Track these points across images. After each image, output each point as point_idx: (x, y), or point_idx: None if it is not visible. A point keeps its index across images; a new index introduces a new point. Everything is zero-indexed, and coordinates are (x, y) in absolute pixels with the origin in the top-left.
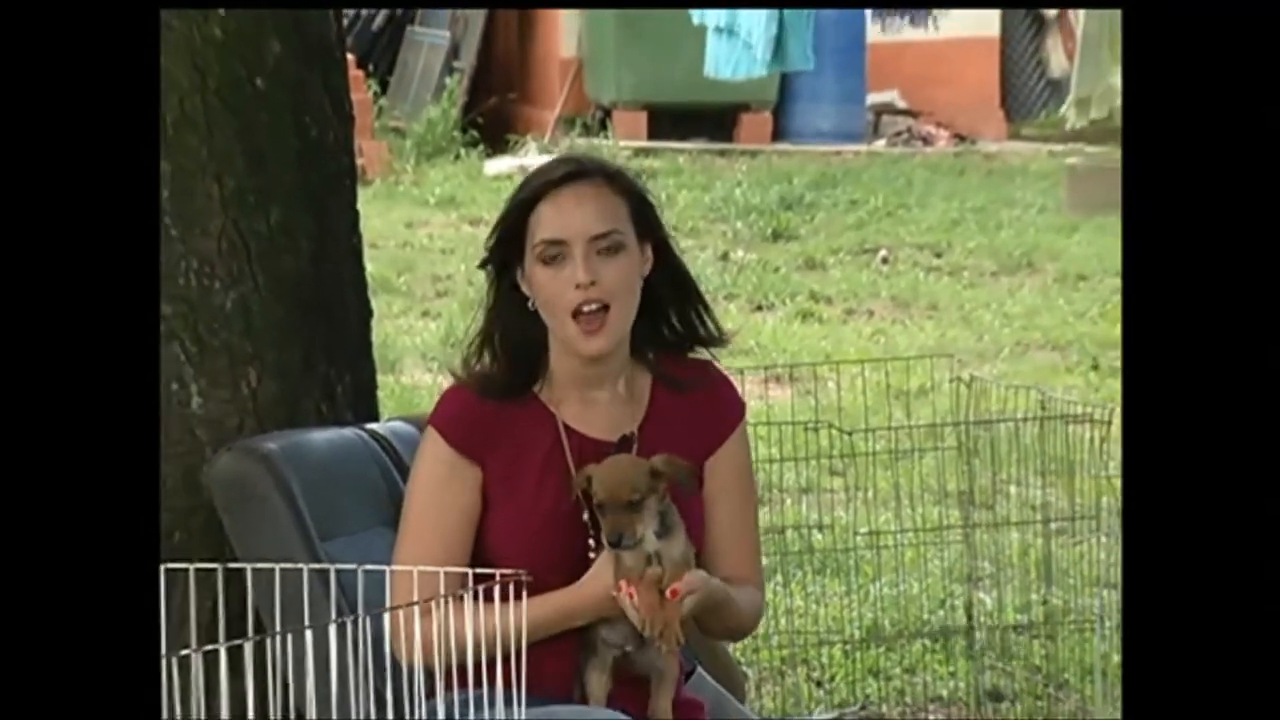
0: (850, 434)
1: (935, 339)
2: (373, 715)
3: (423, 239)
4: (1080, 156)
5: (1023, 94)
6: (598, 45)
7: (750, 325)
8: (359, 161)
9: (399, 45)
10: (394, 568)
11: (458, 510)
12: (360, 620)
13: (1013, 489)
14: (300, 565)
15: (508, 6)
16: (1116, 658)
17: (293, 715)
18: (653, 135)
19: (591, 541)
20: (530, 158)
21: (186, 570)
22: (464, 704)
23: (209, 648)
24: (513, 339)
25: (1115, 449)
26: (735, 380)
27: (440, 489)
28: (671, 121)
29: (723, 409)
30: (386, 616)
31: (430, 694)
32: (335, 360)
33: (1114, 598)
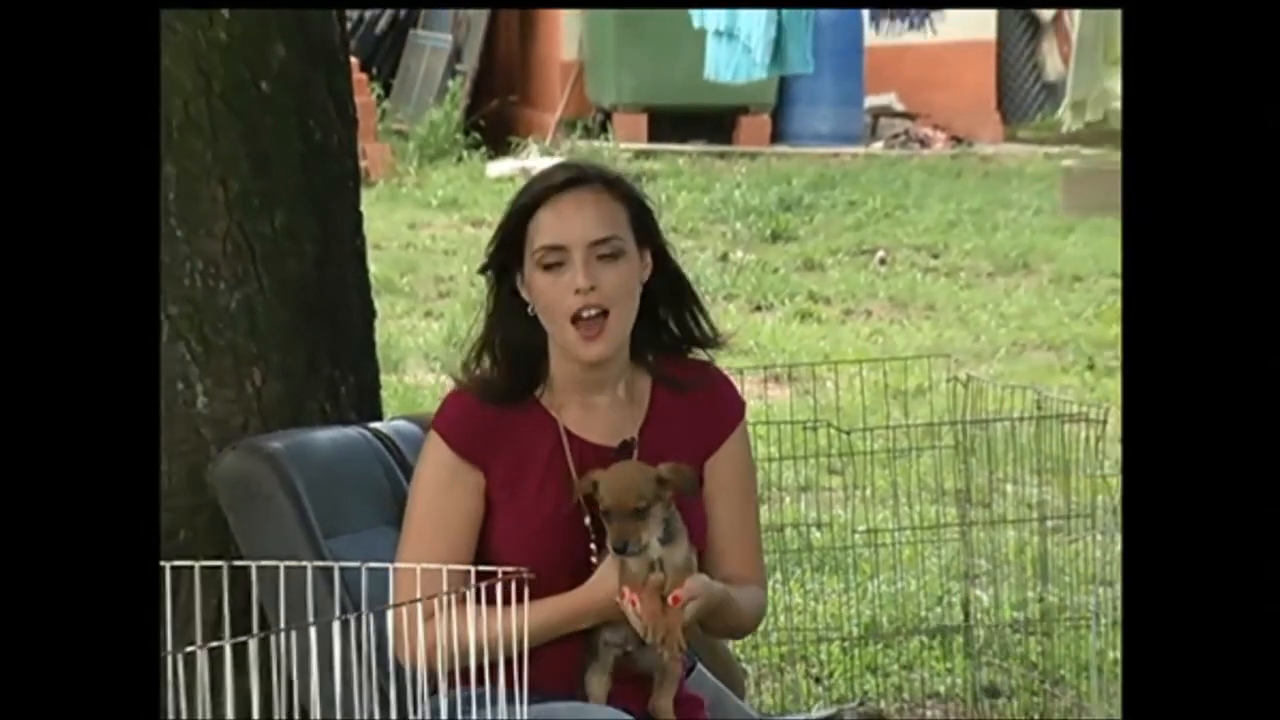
0: (848, 433)
1: (932, 339)
2: (376, 712)
3: (425, 240)
4: (1076, 159)
5: (1019, 97)
6: (598, 48)
7: (749, 325)
8: (362, 164)
9: (402, 49)
10: (398, 565)
11: (460, 514)
12: (364, 618)
13: (1009, 487)
14: (304, 563)
15: (509, 6)
16: (1112, 654)
17: (297, 712)
18: (653, 137)
19: (593, 545)
20: (532, 160)
21: (192, 568)
22: (466, 701)
23: (214, 645)
24: (513, 344)
25: (1110, 448)
26: (734, 380)
27: (443, 493)
28: (671, 124)
29: (723, 409)
30: (390, 620)
31: (433, 691)
32: (339, 360)
33: (1109, 595)
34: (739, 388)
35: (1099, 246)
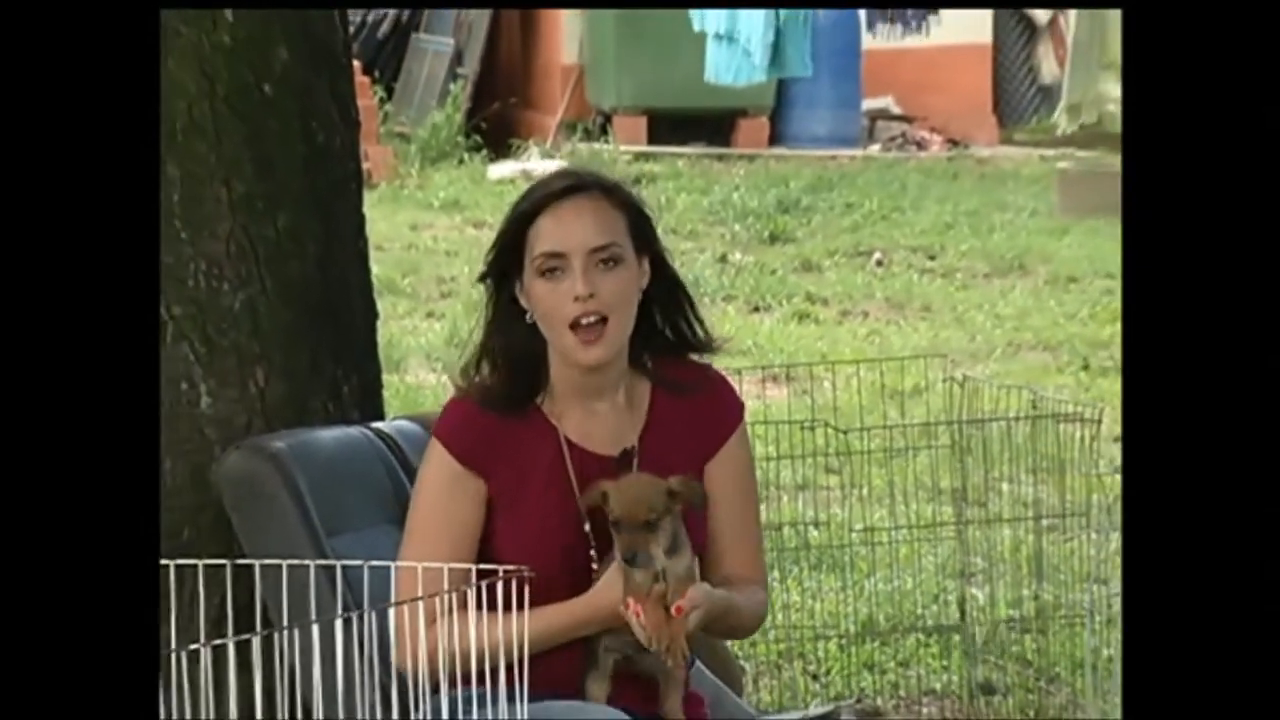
0: (846, 433)
1: (929, 340)
2: (378, 710)
3: (427, 241)
4: (1071, 161)
5: (1014, 100)
6: (598, 52)
7: (748, 326)
8: (365, 166)
9: (404, 52)
10: (400, 564)
11: (461, 521)
12: (366, 615)
13: (1005, 486)
14: (307, 562)
15: (510, 6)
16: (1107, 652)
17: (299, 710)
18: (652, 140)
19: (593, 553)
20: (532, 162)
21: (195, 566)
22: (467, 701)
23: (217, 642)
24: (512, 352)
25: (1105, 447)
26: (733, 380)
27: (444, 500)
28: (671, 126)
29: (722, 411)
30: (392, 626)
31: (434, 690)
32: (341, 360)
33: (1104, 593)
34: (737, 388)
35: (1094, 248)
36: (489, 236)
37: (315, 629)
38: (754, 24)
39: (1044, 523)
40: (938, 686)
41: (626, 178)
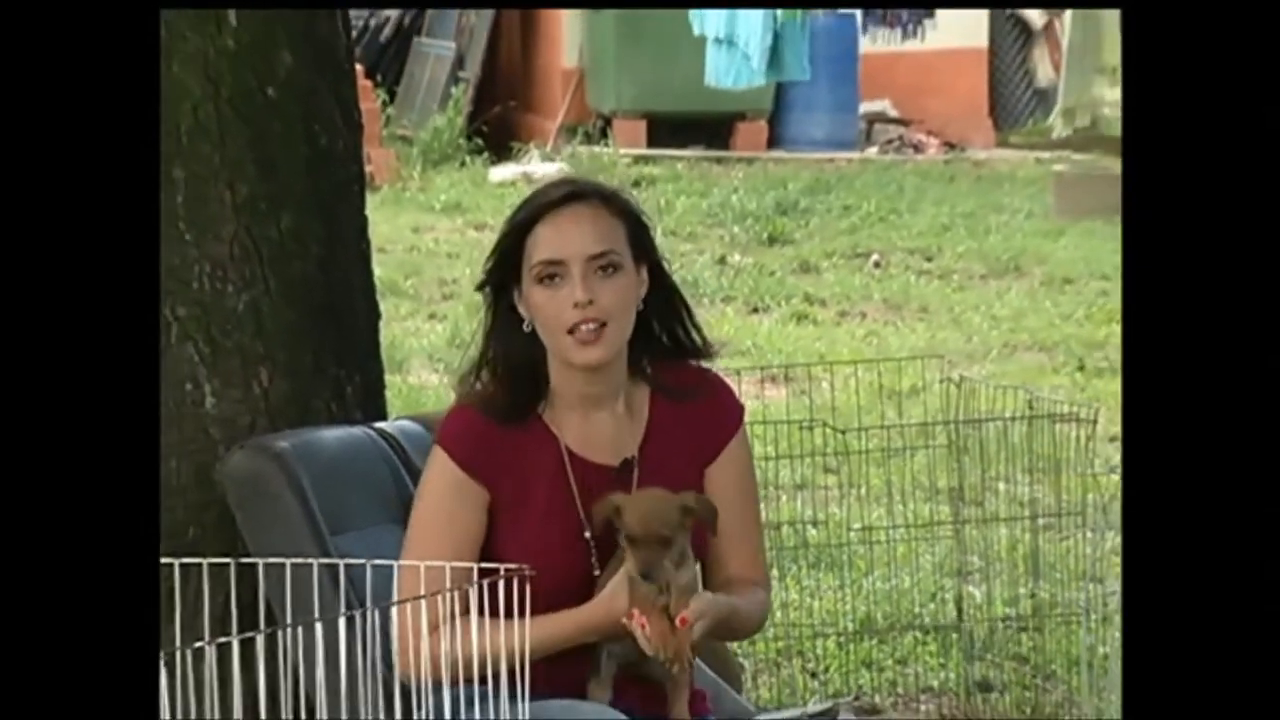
0: (844, 432)
1: (926, 340)
2: (380, 706)
3: (429, 244)
4: (1066, 163)
5: (1010, 103)
6: (598, 56)
7: (746, 327)
8: (367, 169)
9: (406, 56)
10: (402, 562)
11: (463, 528)
12: (368, 613)
13: (1001, 486)
14: (311, 560)
15: (512, 6)
16: (1102, 650)
17: (302, 707)
18: (652, 143)
19: (594, 562)
20: (533, 165)
21: (200, 565)
22: (469, 699)
23: (221, 640)
24: (512, 360)
25: (1101, 447)
26: (732, 380)
27: (447, 507)
28: (670, 130)
29: (722, 415)
30: (395, 635)
31: (436, 687)
32: (344, 361)
33: (1100, 591)
34: (736, 388)
35: (1089, 249)
36: (490, 239)
37: (318, 627)
38: (752, 28)
39: (1040, 522)
40: (935, 684)
41: (626, 180)
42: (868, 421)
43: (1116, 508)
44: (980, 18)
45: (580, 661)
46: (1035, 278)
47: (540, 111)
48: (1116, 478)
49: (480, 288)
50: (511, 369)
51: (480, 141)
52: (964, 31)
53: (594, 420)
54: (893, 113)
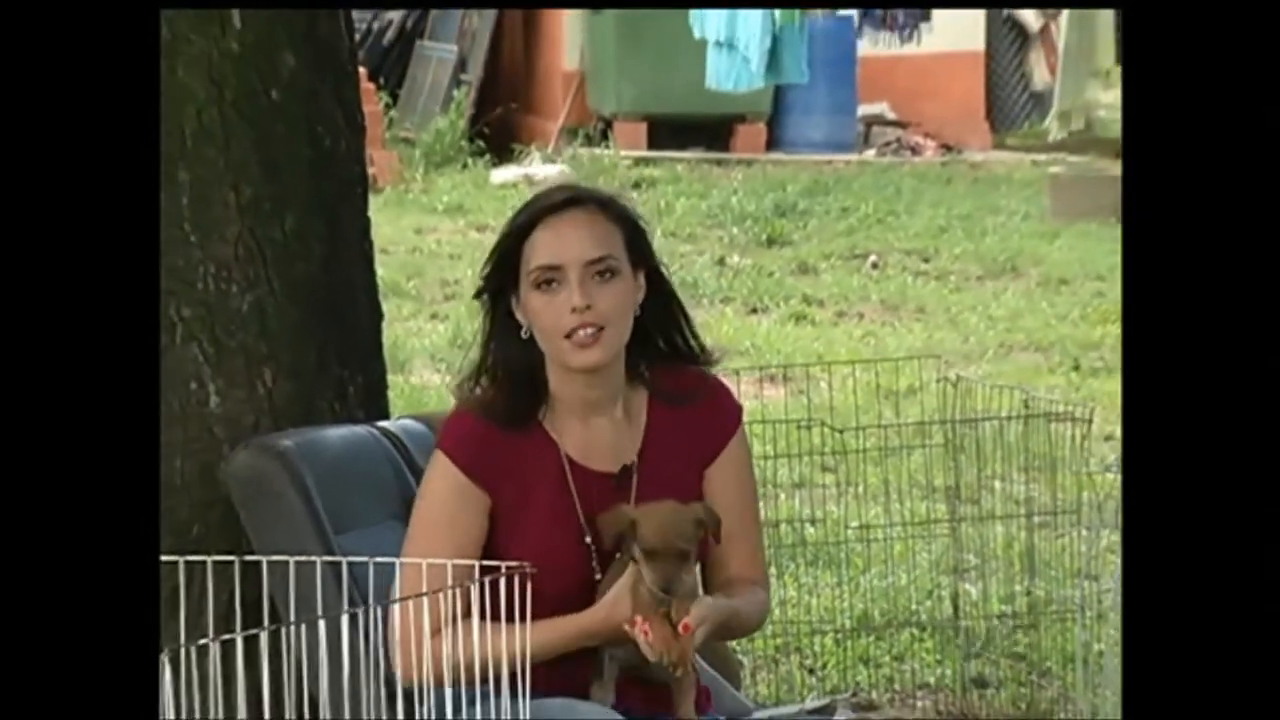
0: (841, 432)
1: (923, 341)
2: (383, 702)
3: (431, 245)
4: (1062, 165)
5: (1007, 106)
6: (599, 58)
7: (745, 327)
8: (370, 170)
9: (409, 59)
10: (405, 559)
11: (464, 533)
12: (371, 611)
13: (997, 484)
14: (314, 558)
15: (515, 6)
16: (1097, 646)
17: (305, 703)
18: (652, 145)
19: (595, 568)
20: (534, 167)
21: (204, 563)
22: (470, 697)
23: (225, 637)
24: (512, 367)
25: (1096, 446)
26: (731, 381)
27: (449, 512)
28: (670, 132)
29: (720, 418)
30: (396, 638)
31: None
32: (347, 361)
33: (1095, 589)
34: (736, 389)
35: (1085, 250)
36: (492, 240)
37: (321, 624)
38: (752, 31)
39: (1035, 520)
40: (931, 680)
41: (626, 182)
42: (865, 421)
43: (1111, 506)
44: (977, 21)
45: (580, 664)
46: (1031, 279)
47: (541, 114)
48: (1111, 476)
49: (478, 295)
50: (511, 375)
51: (482, 143)
52: (961, 35)
53: (593, 426)
54: (890, 115)
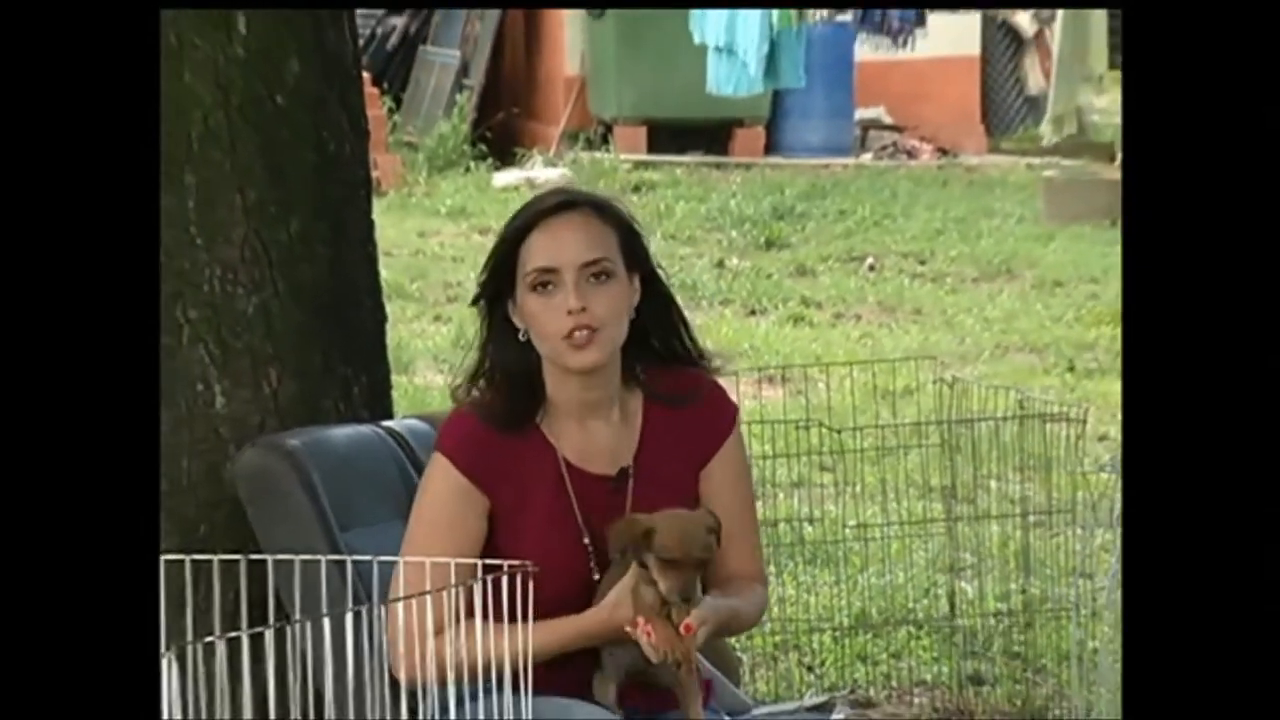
0: (839, 432)
1: (919, 342)
2: (387, 699)
3: (434, 247)
4: (1056, 169)
5: (1002, 110)
6: (600, 63)
7: (744, 329)
8: (374, 174)
9: (412, 64)
10: (409, 559)
11: (464, 535)
12: (375, 608)
13: (993, 484)
14: (319, 557)
15: (518, 6)
16: (1092, 644)
17: (311, 699)
18: (652, 149)
19: (594, 570)
20: (536, 170)
21: (211, 561)
22: (473, 693)
23: (232, 635)
24: (509, 371)
25: (1090, 446)
26: (730, 382)
27: (449, 513)
28: (670, 136)
29: (716, 418)
30: (399, 637)
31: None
32: (352, 362)
33: (1089, 587)
34: (735, 390)
35: (1079, 253)
36: (494, 242)
37: (327, 622)
38: (750, 36)
39: (1031, 519)
40: (928, 678)
41: (627, 186)
42: (863, 421)
43: (1106, 505)
44: (973, 27)
45: (581, 663)
46: (1026, 281)
47: (543, 118)
48: (1105, 476)
49: (475, 302)
50: (509, 378)
51: (484, 148)
52: (957, 40)
53: (590, 429)
54: (887, 119)
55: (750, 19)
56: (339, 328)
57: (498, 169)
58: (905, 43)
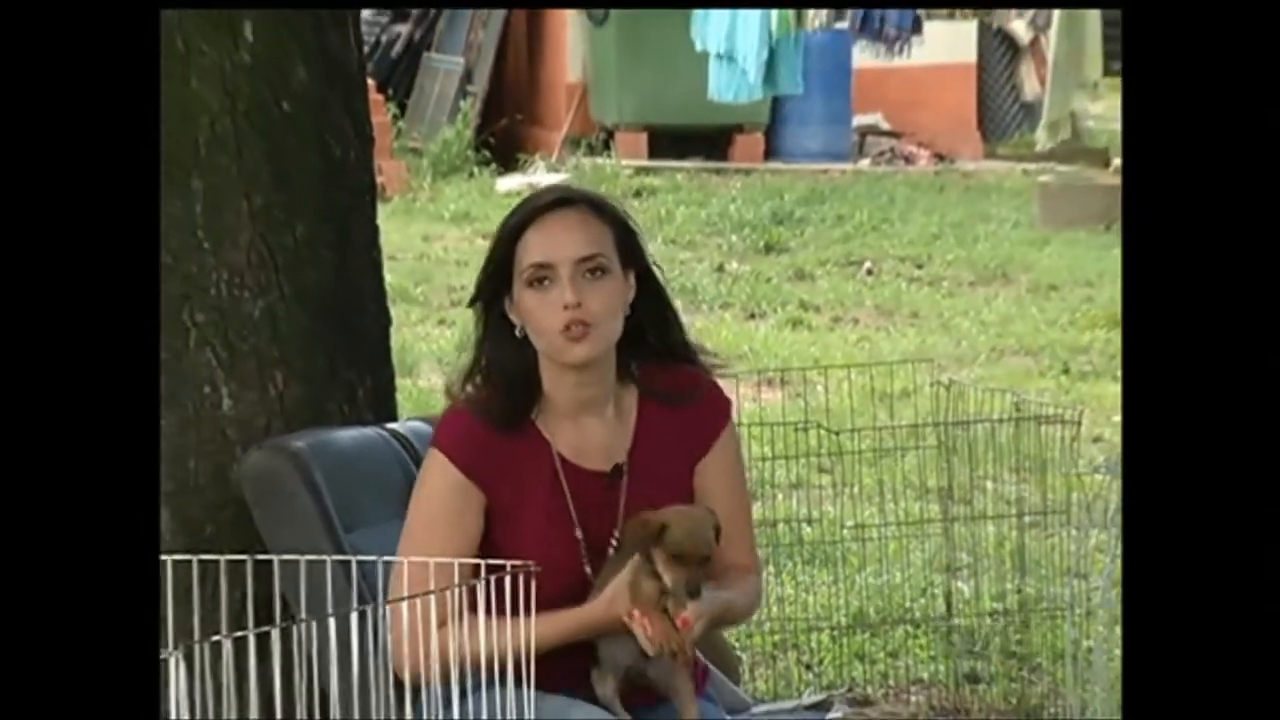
0: (837, 434)
1: (916, 345)
2: (392, 697)
3: (438, 252)
4: (1051, 175)
5: (998, 116)
6: (601, 70)
7: (744, 332)
8: (379, 179)
9: (416, 71)
10: (414, 559)
11: (462, 531)
12: (380, 608)
13: (989, 485)
14: (324, 557)
15: (521, 6)
16: (1086, 643)
17: (316, 697)
18: (653, 154)
19: (588, 570)
20: (539, 176)
21: (218, 562)
22: (476, 685)
23: (239, 634)
24: (506, 368)
25: (1084, 448)
26: (730, 384)
27: (446, 510)
28: (670, 142)
29: (710, 415)
30: (404, 632)
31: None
32: (357, 364)
33: (1084, 587)
34: (734, 392)
35: (1073, 257)
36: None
37: (332, 621)
38: (749, 43)
39: (1026, 520)
40: (925, 676)
41: (628, 191)
42: (860, 423)
43: (1100, 506)
44: (969, 35)
45: (580, 657)
46: (1021, 285)
47: (545, 124)
48: (1100, 477)
49: (473, 302)
50: (505, 376)
51: (487, 153)
52: (953, 47)
53: (585, 426)
54: (884, 126)
55: (750, 27)
56: (344, 331)
57: (501, 174)
58: (902, 50)
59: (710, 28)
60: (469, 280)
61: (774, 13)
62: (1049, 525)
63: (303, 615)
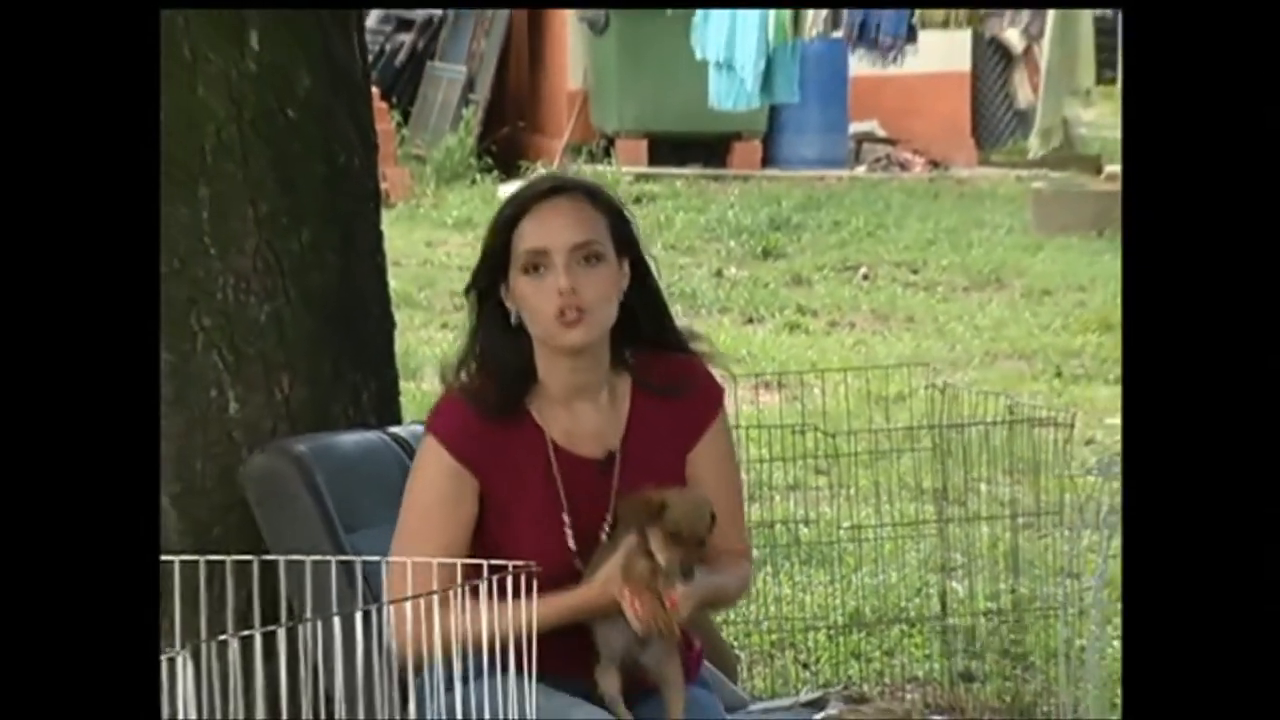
0: (834, 436)
1: (912, 349)
2: (394, 695)
3: (441, 257)
4: (1045, 181)
5: (992, 124)
6: (602, 78)
7: (742, 337)
8: (383, 186)
9: (420, 79)
10: (415, 559)
11: (457, 518)
12: (384, 608)
13: (983, 487)
14: (329, 558)
15: (523, 6)
16: (1079, 642)
17: (321, 696)
18: (653, 161)
19: (577, 561)
20: None
21: (224, 562)
22: (478, 669)
23: (244, 634)
24: (500, 356)
25: (1077, 450)
26: (729, 387)
27: (441, 496)
28: (670, 149)
29: (702, 403)
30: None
31: (448, 683)
32: (361, 368)
33: (1077, 587)
34: (733, 395)
35: (1067, 263)
36: None
37: (336, 621)
38: (747, 52)
39: (1020, 521)
40: (920, 674)
41: (628, 197)
42: (856, 426)
43: (1092, 507)
44: (963, 43)
45: (582, 645)
46: (1015, 290)
47: (547, 132)
48: (1092, 479)
49: (468, 291)
50: (500, 363)
51: (490, 160)
52: (948, 55)
53: (579, 412)
54: (880, 133)
55: (747, 36)
56: (349, 335)
57: (503, 181)
58: (897, 59)
59: (710, 36)
60: None
61: (771, 22)
62: (1042, 526)
63: (307, 615)
